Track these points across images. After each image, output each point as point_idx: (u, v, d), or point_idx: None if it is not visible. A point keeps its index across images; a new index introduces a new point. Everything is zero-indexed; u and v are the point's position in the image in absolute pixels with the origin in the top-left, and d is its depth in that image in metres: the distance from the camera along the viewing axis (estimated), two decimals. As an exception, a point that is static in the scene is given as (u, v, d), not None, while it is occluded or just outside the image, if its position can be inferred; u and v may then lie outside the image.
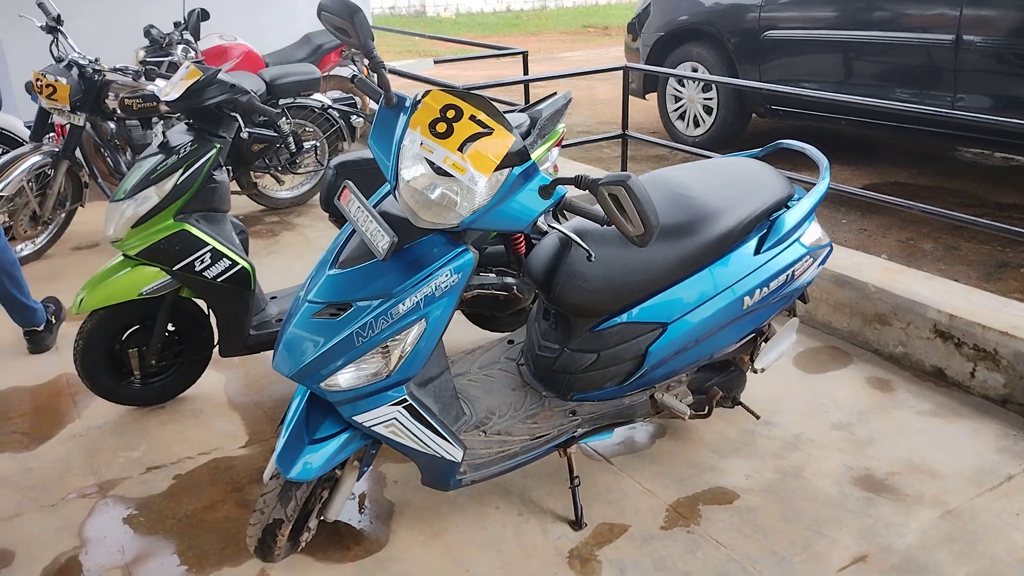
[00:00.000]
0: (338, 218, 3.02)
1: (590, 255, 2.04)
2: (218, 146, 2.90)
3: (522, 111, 3.08)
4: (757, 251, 2.46)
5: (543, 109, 3.01)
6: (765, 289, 2.47)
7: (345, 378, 2.01)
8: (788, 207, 2.58)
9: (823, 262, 2.65)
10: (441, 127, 1.91)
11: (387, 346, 2.00)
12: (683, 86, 6.25)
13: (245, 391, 3.25)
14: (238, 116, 3.00)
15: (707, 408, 2.62)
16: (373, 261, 2.00)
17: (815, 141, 3.09)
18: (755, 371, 2.67)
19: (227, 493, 2.66)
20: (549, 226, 2.02)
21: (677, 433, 2.87)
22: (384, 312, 1.98)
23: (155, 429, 3.01)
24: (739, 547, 2.36)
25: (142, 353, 3.00)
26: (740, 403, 2.77)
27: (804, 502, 2.53)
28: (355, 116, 4.99)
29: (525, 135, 2.94)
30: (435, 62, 4.69)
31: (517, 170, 1.95)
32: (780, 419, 2.93)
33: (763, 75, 5.65)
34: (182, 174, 2.82)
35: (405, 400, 2.08)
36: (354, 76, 2.25)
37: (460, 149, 1.88)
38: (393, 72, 4.66)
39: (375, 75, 2.09)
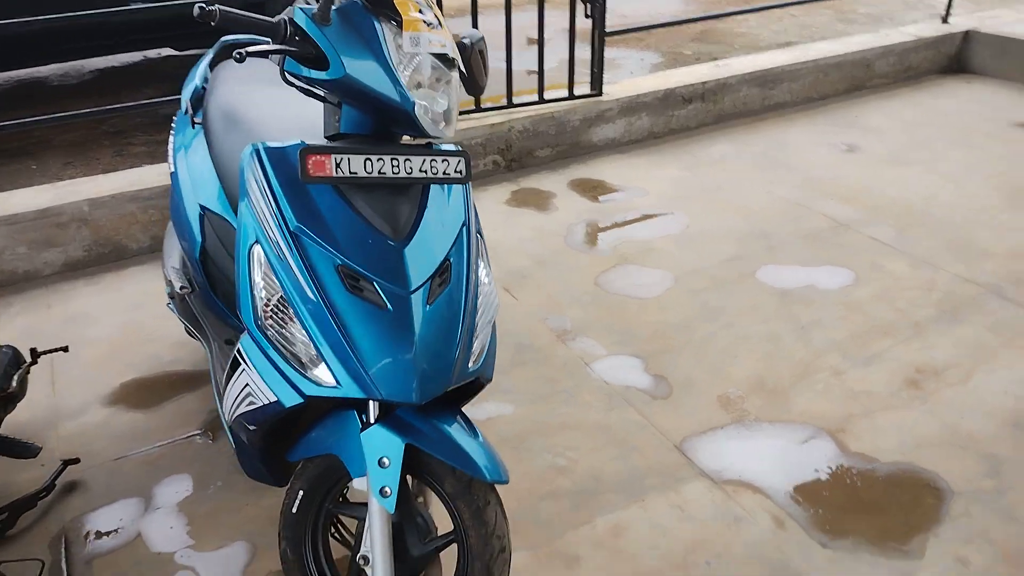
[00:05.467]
0: None
1: None
2: None
3: None
4: None
5: None
6: None
7: (481, 336, 1.72)
8: None
9: None
10: (430, 16, 1.69)
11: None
12: None
13: None
14: None
15: None
16: (428, 204, 1.67)
17: None
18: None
19: None
20: None
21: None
22: (468, 241, 1.74)
23: None
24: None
25: None
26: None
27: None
28: None
29: None
30: None
31: None
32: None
33: None
34: None
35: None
36: (205, 7, 1.45)
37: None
38: None
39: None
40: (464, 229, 1.72)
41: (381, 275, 1.55)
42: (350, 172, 1.54)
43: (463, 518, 1.64)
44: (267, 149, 1.63)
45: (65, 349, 2.39)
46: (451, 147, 1.71)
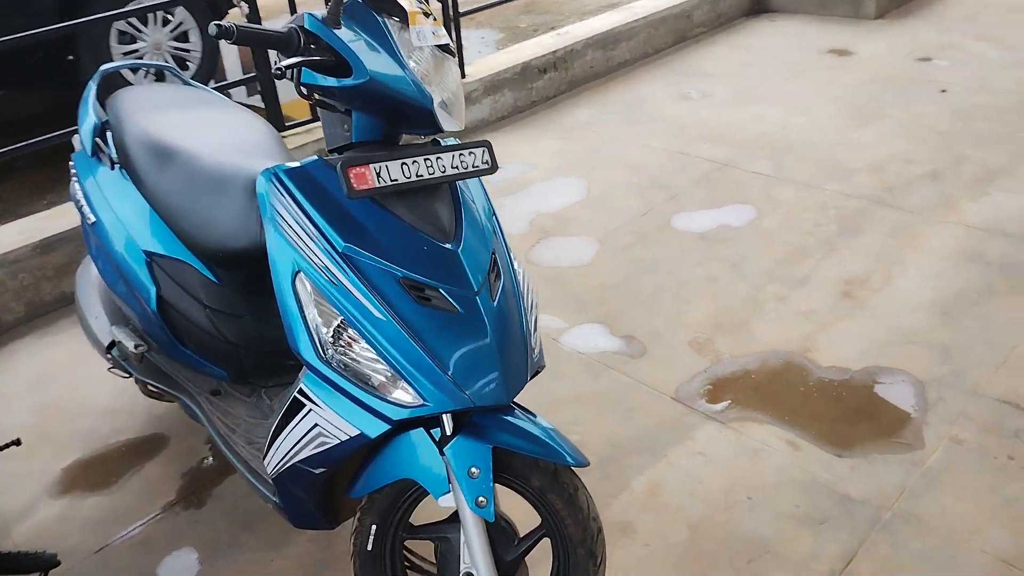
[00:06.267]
0: None
1: None
2: None
3: None
4: None
5: None
6: None
7: (535, 324, 1.69)
8: None
9: None
10: (426, 8, 1.61)
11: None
12: None
13: None
14: None
15: None
16: (462, 202, 1.62)
17: None
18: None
19: None
20: None
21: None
22: (501, 231, 1.70)
23: None
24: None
25: None
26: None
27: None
28: None
29: None
30: None
31: None
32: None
33: None
34: None
35: None
36: (223, 25, 1.32)
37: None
38: None
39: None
40: (494, 219, 1.69)
41: (445, 280, 1.49)
42: (391, 180, 1.48)
43: (556, 509, 1.61)
44: (286, 171, 1.52)
45: (17, 443, 2.08)
46: (453, 141, 1.65)
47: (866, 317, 2.73)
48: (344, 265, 1.47)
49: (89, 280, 2.48)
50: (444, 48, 1.56)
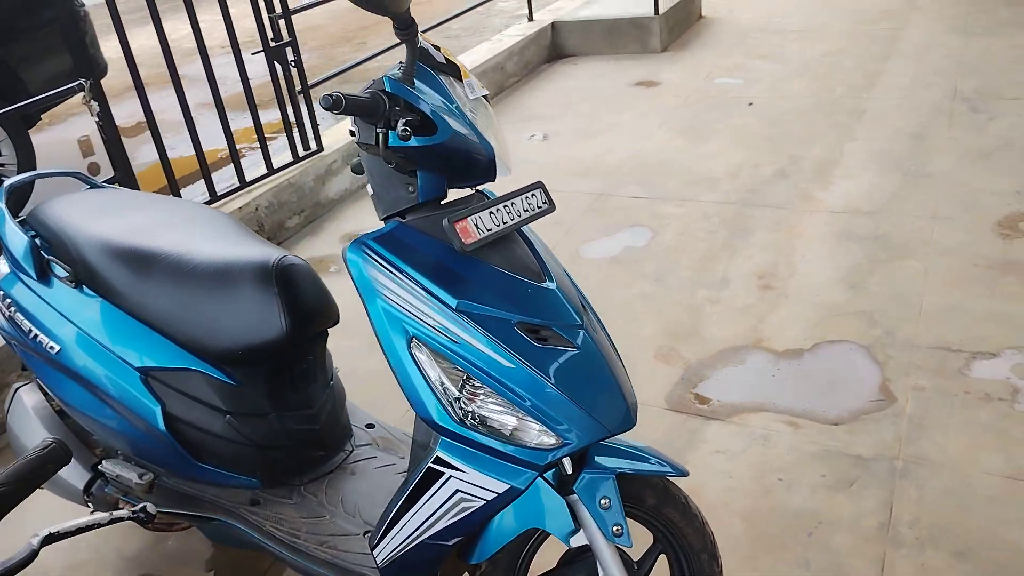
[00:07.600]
0: None
1: None
2: None
3: None
4: None
5: None
6: None
7: None
8: None
9: None
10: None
11: None
12: None
13: None
14: None
15: None
16: (532, 241, 1.65)
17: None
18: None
19: None
20: None
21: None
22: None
23: None
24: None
25: None
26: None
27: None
28: None
29: None
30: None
31: None
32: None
33: None
34: None
35: None
36: (332, 96, 1.30)
37: None
38: None
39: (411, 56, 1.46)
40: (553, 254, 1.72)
41: (555, 319, 1.51)
42: (487, 230, 1.49)
43: (673, 521, 1.65)
44: (376, 240, 1.49)
45: None
46: (491, 192, 1.69)
47: (792, 303, 3.01)
48: (462, 321, 1.45)
49: (29, 421, 2.17)
50: (485, 98, 1.61)
